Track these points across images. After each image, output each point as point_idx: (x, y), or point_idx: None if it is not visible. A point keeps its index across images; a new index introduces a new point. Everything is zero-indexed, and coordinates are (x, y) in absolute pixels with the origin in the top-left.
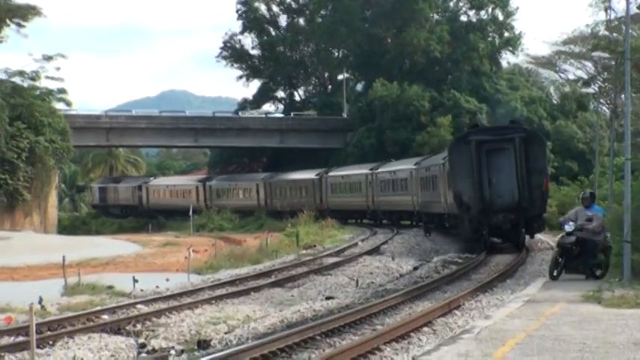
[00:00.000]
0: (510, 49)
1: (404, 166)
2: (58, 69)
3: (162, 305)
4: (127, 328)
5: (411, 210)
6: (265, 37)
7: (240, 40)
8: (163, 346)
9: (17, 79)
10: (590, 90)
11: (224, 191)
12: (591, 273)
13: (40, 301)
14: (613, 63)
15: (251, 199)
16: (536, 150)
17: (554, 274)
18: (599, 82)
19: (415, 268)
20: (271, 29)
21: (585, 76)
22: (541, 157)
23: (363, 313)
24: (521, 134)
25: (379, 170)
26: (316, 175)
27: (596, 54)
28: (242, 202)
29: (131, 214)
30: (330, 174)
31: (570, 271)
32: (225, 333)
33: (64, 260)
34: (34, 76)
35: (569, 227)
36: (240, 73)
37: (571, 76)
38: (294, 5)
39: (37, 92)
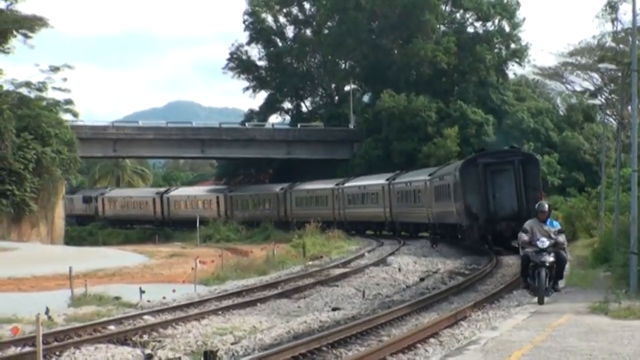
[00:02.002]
0: (517, 60)
1: (374, 182)
2: (64, 80)
3: (169, 316)
4: (134, 338)
5: (382, 220)
6: (272, 48)
7: (247, 52)
8: (170, 357)
9: (24, 90)
10: (596, 101)
11: (183, 203)
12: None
13: (47, 311)
14: (620, 74)
15: (211, 211)
16: (531, 170)
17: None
18: (605, 94)
19: (422, 279)
20: (278, 40)
21: (592, 88)
22: (536, 175)
23: (369, 324)
24: (519, 157)
25: (346, 185)
26: (280, 190)
27: (602, 65)
28: (201, 213)
29: (85, 224)
30: (295, 188)
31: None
32: (232, 344)
33: (70, 271)
34: (41, 87)
35: (542, 244)
36: (247, 84)
37: (578, 88)
38: (300, 16)
39: (44, 103)
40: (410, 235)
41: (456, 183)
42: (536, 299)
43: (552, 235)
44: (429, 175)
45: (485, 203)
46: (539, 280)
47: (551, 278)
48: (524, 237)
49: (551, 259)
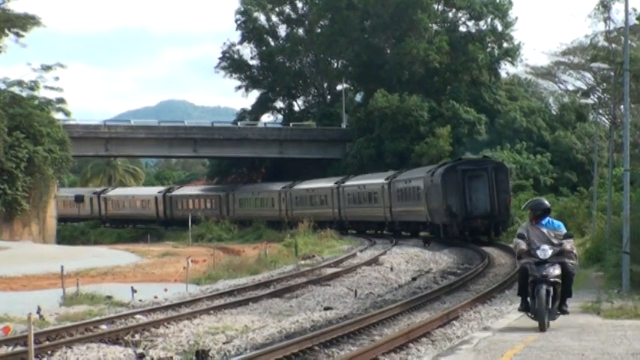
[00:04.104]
0: (509, 59)
1: (323, 185)
2: (56, 79)
3: (161, 315)
4: (126, 338)
5: (331, 219)
6: (264, 48)
7: (239, 51)
8: (162, 357)
9: (16, 89)
10: (589, 101)
11: (121, 202)
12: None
13: (39, 310)
14: (612, 74)
15: (149, 210)
16: (502, 176)
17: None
18: (598, 93)
19: (414, 279)
20: (270, 39)
21: (584, 87)
22: (505, 181)
23: (361, 323)
24: (492, 165)
25: (294, 188)
26: (223, 192)
27: (595, 65)
28: (140, 212)
29: None
30: (239, 190)
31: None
32: (224, 343)
33: (62, 270)
34: (33, 86)
35: (543, 253)
36: (239, 83)
37: (570, 87)
38: (293, 15)
39: (36, 102)
40: (359, 231)
41: (430, 186)
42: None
43: (555, 241)
44: (386, 178)
45: (463, 204)
46: (539, 299)
47: (556, 297)
48: (521, 244)
49: (555, 272)
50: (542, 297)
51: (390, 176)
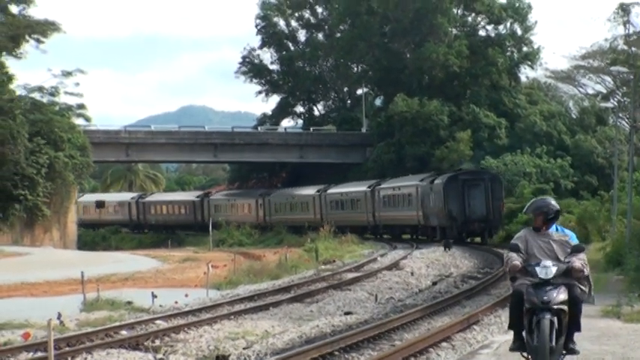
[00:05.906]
0: (529, 63)
1: (305, 192)
2: (77, 84)
3: (181, 321)
4: (146, 343)
5: (313, 224)
6: (284, 52)
7: (259, 55)
8: None
9: (37, 95)
10: (609, 104)
11: (92, 208)
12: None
13: (59, 316)
14: (632, 77)
15: (122, 215)
16: (497, 186)
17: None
18: (618, 97)
19: (434, 283)
20: (290, 44)
21: (604, 91)
22: (500, 190)
23: (381, 328)
24: (489, 176)
25: (272, 195)
26: (197, 197)
27: (614, 68)
28: (112, 217)
29: None
30: (213, 197)
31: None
32: (244, 348)
33: (82, 276)
34: (54, 92)
35: (544, 271)
36: (259, 88)
37: (590, 91)
38: (312, 20)
39: (57, 108)
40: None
41: (428, 193)
42: None
43: (562, 256)
44: (369, 186)
45: (462, 209)
46: (541, 334)
47: (562, 331)
48: (513, 259)
49: (560, 297)
50: (544, 330)
51: (372, 184)
